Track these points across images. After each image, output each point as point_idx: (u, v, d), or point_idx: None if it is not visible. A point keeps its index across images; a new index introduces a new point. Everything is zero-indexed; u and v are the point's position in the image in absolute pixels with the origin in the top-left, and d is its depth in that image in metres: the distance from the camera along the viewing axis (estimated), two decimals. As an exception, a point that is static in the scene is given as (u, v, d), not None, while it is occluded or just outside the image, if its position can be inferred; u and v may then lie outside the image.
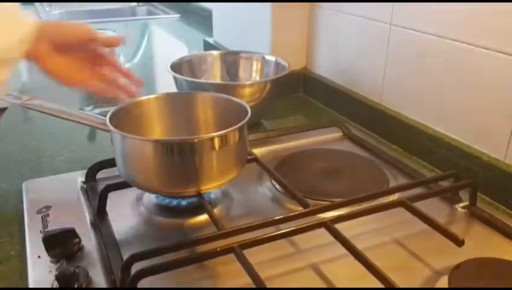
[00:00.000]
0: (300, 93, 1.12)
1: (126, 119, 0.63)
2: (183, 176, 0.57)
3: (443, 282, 0.50)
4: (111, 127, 0.57)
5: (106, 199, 0.62)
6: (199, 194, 0.59)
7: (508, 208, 0.65)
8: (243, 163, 0.62)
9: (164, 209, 0.64)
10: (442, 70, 0.74)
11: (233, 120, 0.59)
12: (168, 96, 0.70)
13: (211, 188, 0.61)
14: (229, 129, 0.57)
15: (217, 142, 0.56)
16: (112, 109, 0.61)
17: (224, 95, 0.69)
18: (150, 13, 2.29)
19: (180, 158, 0.56)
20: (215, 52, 1.05)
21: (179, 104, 0.70)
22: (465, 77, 0.70)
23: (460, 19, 0.69)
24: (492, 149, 0.68)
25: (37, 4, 2.32)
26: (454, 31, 0.71)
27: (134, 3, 2.37)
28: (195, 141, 0.55)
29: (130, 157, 0.58)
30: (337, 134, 0.87)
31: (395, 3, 0.81)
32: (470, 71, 0.69)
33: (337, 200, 0.60)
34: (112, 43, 0.68)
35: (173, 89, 0.91)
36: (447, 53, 0.72)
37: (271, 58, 0.98)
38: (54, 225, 0.58)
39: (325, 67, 1.05)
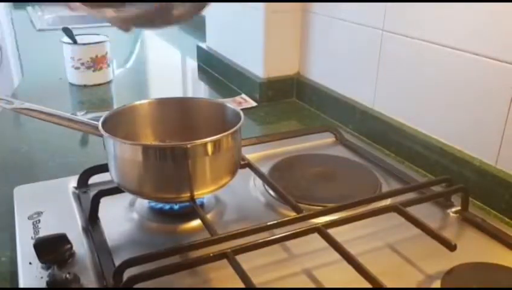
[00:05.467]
0: (293, 98, 1.12)
1: (119, 124, 0.62)
2: (176, 181, 0.57)
3: (436, 286, 0.50)
4: (103, 132, 0.57)
5: (98, 204, 0.61)
6: (192, 200, 0.59)
7: (499, 212, 0.66)
8: (236, 168, 0.62)
9: (157, 215, 0.63)
10: (434, 75, 0.75)
11: (226, 125, 0.59)
12: (161, 101, 0.70)
13: (204, 194, 0.61)
14: (222, 134, 0.57)
15: (210, 147, 0.56)
16: (104, 114, 0.61)
17: (217, 100, 0.69)
18: (143, 18, 2.28)
19: (173, 164, 0.56)
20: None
21: (172, 110, 0.70)
22: (457, 83, 0.71)
23: (452, 24, 0.70)
24: (483, 154, 0.68)
25: (29, 8, 2.31)
26: (446, 37, 0.71)
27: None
28: (188, 146, 0.55)
29: (123, 162, 0.58)
30: (330, 139, 0.87)
31: (386, 10, 0.82)
32: (461, 77, 0.70)
33: (330, 205, 0.60)
34: None
35: (166, 94, 0.91)
36: (439, 59, 0.73)
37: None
38: (45, 231, 0.58)
39: (317, 73, 1.06)
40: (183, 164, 0.55)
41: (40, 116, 0.62)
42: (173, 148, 0.56)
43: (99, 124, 0.59)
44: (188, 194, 0.57)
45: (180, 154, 0.55)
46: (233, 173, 0.61)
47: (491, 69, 0.65)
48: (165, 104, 0.70)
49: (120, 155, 0.57)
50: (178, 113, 0.70)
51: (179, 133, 0.68)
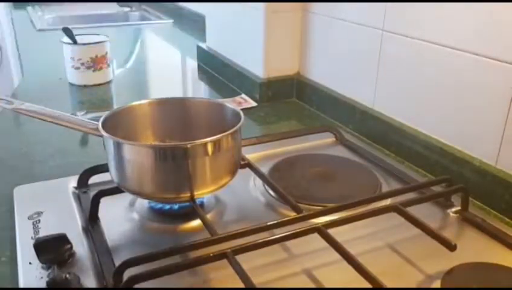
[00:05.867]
0: (293, 99, 1.12)
1: (119, 124, 0.62)
2: (176, 181, 0.57)
3: (436, 286, 0.50)
4: (103, 132, 0.57)
5: (98, 204, 0.61)
6: (192, 200, 0.58)
7: (499, 212, 0.66)
8: (236, 168, 0.62)
9: (157, 215, 0.63)
10: (434, 75, 0.75)
11: (226, 125, 0.59)
12: (161, 101, 0.70)
13: (204, 194, 0.61)
14: (222, 134, 0.57)
15: (210, 147, 0.56)
16: (104, 114, 0.61)
17: (217, 100, 0.70)
18: (142, 18, 2.29)
19: (173, 164, 0.56)
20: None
21: (172, 110, 0.70)
22: (457, 83, 0.71)
23: (452, 24, 0.70)
24: (483, 154, 0.68)
25: (29, 8, 2.31)
26: (446, 37, 0.71)
27: (127, 9, 2.37)
28: (188, 146, 0.55)
29: (123, 162, 0.58)
30: (330, 139, 0.87)
31: (386, 10, 0.82)
32: (461, 77, 0.70)
33: (330, 205, 0.60)
34: None
35: (166, 94, 0.91)
36: (439, 59, 0.73)
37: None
38: (45, 231, 0.58)
39: (317, 73, 1.06)
40: (183, 164, 0.55)
41: (40, 116, 0.62)
42: (173, 148, 0.56)
43: (99, 124, 0.59)
44: (188, 194, 0.57)
45: (180, 154, 0.55)
46: (233, 173, 0.61)
47: (491, 69, 0.65)
48: (165, 104, 0.70)
49: (120, 155, 0.57)
50: (178, 113, 0.70)
51: (179, 133, 0.68)
